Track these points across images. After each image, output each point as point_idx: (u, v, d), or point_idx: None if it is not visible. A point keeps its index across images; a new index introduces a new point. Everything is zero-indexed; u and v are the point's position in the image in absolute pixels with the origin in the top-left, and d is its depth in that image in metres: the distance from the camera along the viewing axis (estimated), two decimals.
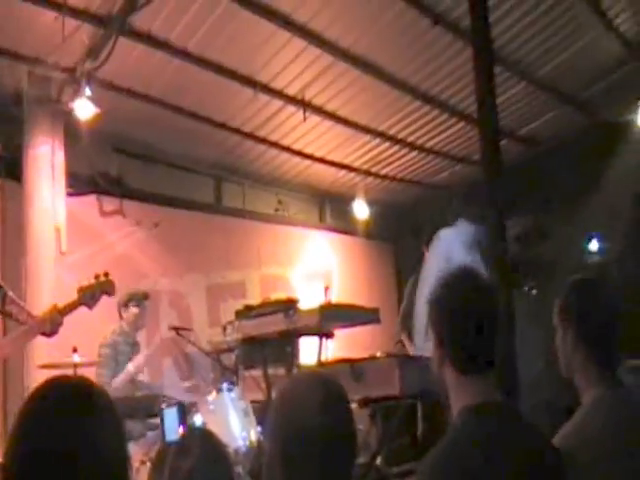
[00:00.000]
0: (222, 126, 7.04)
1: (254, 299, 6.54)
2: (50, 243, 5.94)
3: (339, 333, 4.86)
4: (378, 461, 4.36)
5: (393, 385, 3.87)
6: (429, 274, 4.59)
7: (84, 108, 5.63)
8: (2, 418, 5.63)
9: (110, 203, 6.89)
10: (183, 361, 6.66)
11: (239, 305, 5.23)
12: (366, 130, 7.63)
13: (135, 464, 4.20)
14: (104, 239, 6.77)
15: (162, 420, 3.92)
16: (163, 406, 4.06)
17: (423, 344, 4.27)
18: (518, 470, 1.75)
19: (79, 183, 6.57)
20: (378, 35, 6.09)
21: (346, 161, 8.30)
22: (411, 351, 5.42)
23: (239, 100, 6.65)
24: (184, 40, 5.73)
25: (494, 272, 3.80)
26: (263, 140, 7.46)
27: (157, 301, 6.75)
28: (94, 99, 5.61)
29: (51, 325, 3.46)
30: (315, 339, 4.68)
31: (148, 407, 4.74)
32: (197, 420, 4.56)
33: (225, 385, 4.73)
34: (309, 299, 5.20)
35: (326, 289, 5.34)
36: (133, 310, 5.54)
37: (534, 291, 6.25)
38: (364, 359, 4.19)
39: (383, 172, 8.72)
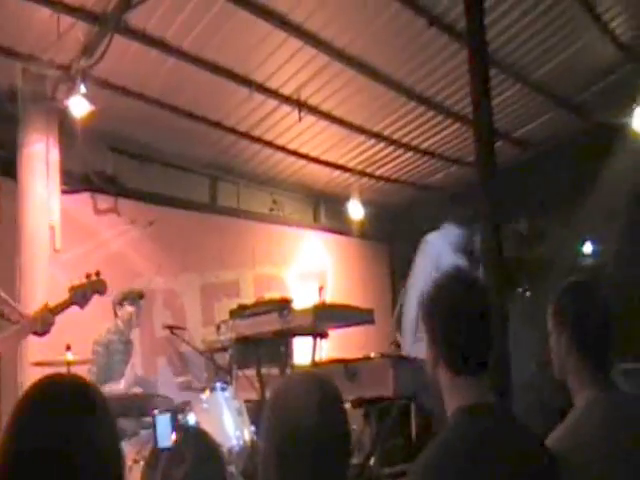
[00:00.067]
0: (217, 125, 7.02)
1: (248, 299, 6.55)
2: (44, 241, 5.93)
3: (333, 333, 4.87)
4: (372, 461, 4.36)
5: (387, 385, 3.89)
6: (418, 278, 4.56)
7: (79, 106, 5.61)
8: None
9: (104, 201, 6.88)
10: (177, 360, 6.65)
11: (233, 304, 5.24)
12: (361, 130, 7.62)
13: (128, 462, 4.18)
14: (98, 237, 6.76)
15: (154, 426, 3.90)
16: (156, 412, 4.03)
17: (411, 346, 4.28)
18: (511, 471, 1.76)
19: (73, 181, 6.56)
20: (374, 36, 6.09)
21: (341, 161, 8.29)
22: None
23: (234, 99, 6.64)
24: (179, 39, 5.72)
25: (488, 273, 3.81)
26: (258, 139, 7.44)
27: (151, 300, 6.73)
28: (89, 97, 5.59)
29: (42, 324, 3.46)
30: (309, 339, 4.69)
31: (142, 406, 4.73)
32: (191, 419, 4.56)
33: (219, 384, 4.74)
34: (303, 299, 5.21)
35: (320, 289, 5.34)
36: (128, 309, 5.54)
37: (528, 293, 6.26)
38: (358, 359, 4.21)
39: (378, 173, 8.72)
